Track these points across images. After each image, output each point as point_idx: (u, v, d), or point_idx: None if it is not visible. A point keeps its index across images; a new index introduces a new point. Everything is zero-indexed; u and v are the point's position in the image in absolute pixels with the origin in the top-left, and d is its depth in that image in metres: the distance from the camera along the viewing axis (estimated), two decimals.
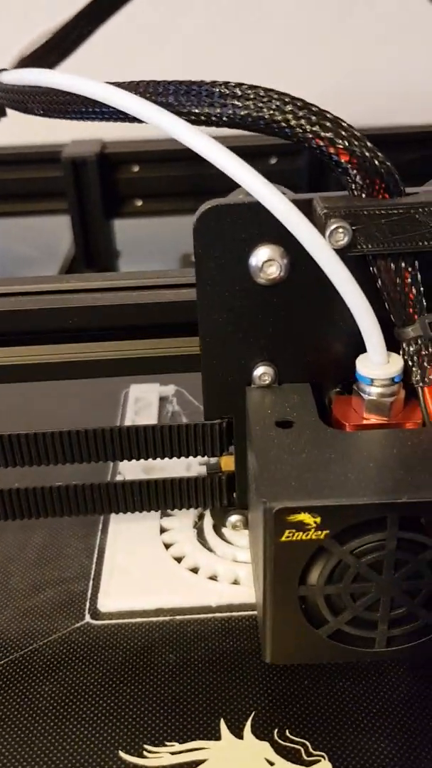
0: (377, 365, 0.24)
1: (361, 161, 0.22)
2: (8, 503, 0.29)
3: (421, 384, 0.24)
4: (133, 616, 0.28)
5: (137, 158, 0.57)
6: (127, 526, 0.32)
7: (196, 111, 0.23)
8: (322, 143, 0.22)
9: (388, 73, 0.66)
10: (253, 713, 0.25)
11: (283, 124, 0.22)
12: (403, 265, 0.24)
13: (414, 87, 0.65)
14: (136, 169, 0.57)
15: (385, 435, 0.24)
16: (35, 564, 0.31)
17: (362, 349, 0.24)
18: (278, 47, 0.66)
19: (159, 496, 0.29)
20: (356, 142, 0.22)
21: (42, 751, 0.24)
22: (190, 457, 0.29)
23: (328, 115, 0.22)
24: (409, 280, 0.24)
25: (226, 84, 0.23)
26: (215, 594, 0.29)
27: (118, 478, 0.34)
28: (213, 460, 0.29)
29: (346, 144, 0.22)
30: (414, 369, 0.24)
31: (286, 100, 0.22)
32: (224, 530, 0.31)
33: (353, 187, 0.23)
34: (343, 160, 0.22)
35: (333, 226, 0.22)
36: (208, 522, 0.32)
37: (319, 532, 0.21)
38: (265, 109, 0.22)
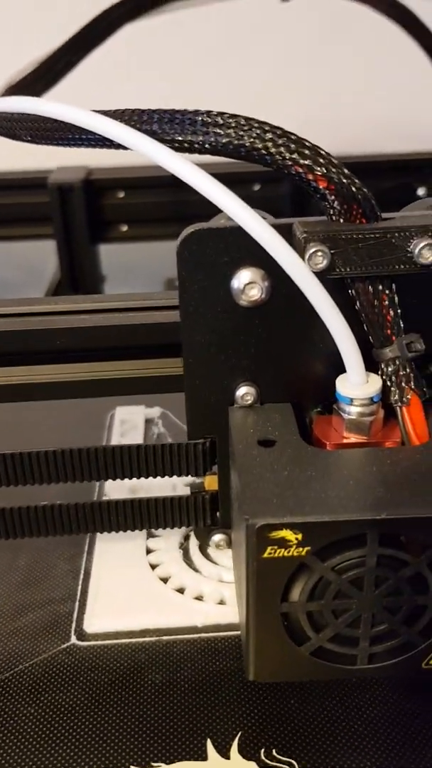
0: (356, 385, 0.24)
1: (338, 187, 0.23)
2: None
3: (399, 404, 0.25)
4: (119, 637, 0.28)
5: (123, 184, 0.58)
6: (113, 547, 0.32)
7: (180, 138, 0.23)
8: (300, 170, 0.23)
9: (369, 103, 0.68)
10: (240, 733, 0.25)
11: (263, 152, 0.23)
12: (380, 287, 0.24)
13: (394, 116, 0.67)
14: (121, 195, 0.58)
15: (365, 453, 0.24)
16: (21, 585, 0.31)
17: (342, 370, 0.25)
18: (265, 76, 0.67)
19: (143, 516, 0.29)
20: (334, 169, 0.23)
21: None
22: (176, 478, 0.29)
23: (307, 143, 0.23)
24: (387, 302, 0.24)
25: (208, 113, 0.23)
26: (201, 614, 0.29)
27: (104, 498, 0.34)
28: (197, 479, 0.29)
29: (324, 171, 0.23)
30: (392, 389, 0.25)
31: (266, 128, 0.23)
32: (210, 551, 0.32)
33: (331, 213, 0.23)
34: (321, 186, 0.23)
35: (312, 250, 0.23)
36: (194, 542, 0.32)
37: (301, 549, 0.22)
38: (245, 137, 0.23)
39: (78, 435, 0.40)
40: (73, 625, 0.29)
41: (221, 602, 0.30)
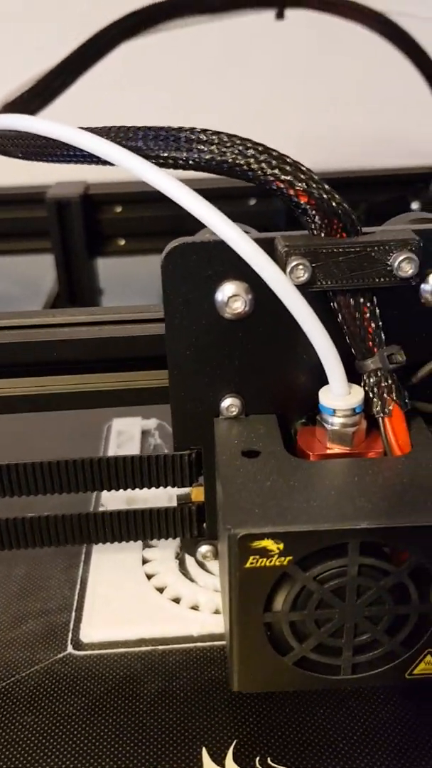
0: (339, 396, 0.25)
1: (319, 202, 0.23)
2: None
3: (381, 414, 0.25)
4: (115, 647, 0.29)
5: (120, 199, 0.58)
6: (109, 557, 0.32)
7: (164, 155, 0.24)
8: (281, 185, 0.23)
9: (363, 118, 0.69)
10: (235, 741, 0.25)
11: (245, 168, 0.23)
12: (361, 300, 0.25)
13: (388, 131, 0.68)
14: (118, 209, 0.59)
15: (347, 464, 0.24)
16: (17, 596, 0.31)
17: (325, 382, 0.25)
18: (261, 92, 0.68)
19: (131, 527, 0.30)
20: (314, 185, 0.23)
21: None
22: (173, 491, 0.30)
23: (288, 159, 0.23)
24: (368, 314, 0.25)
25: (191, 130, 0.24)
26: (197, 624, 0.29)
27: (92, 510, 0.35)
28: (184, 490, 0.30)
29: (305, 186, 0.23)
30: (375, 400, 0.25)
31: (248, 145, 0.23)
32: (205, 561, 0.32)
33: (312, 227, 0.24)
34: (302, 201, 0.23)
35: (293, 263, 0.23)
36: None
37: (283, 559, 0.22)
38: (228, 154, 0.23)
39: (75, 447, 0.40)
40: (70, 635, 0.29)
41: (217, 612, 0.30)
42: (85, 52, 0.49)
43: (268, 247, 0.24)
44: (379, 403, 0.25)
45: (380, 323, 0.25)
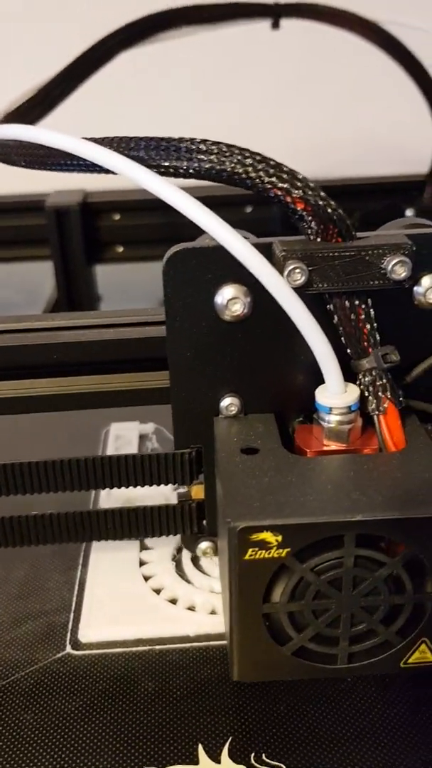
0: (335, 395, 0.26)
1: (315, 209, 0.24)
2: None
3: (376, 412, 0.26)
4: (113, 647, 0.29)
5: (118, 207, 0.59)
6: (107, 559, 0.33)
7: (165, 164, 0.25)
8: (279, 192, 0.24)
9: (358, 126, 0.70)
10: (231, 738, 0.25)
11: (244, 176, 0.24)
12: (356, 302, 0.25)
13: (382, 140, 0.69)
14: (117, 217, 0.60)
15: (343, 460, 0.25)
16: (17, 597, 0.32)
17: (322, 381, 0.26)
18: (257, 100, 0.69)
19: (131, 524, 0.30)
20: (310, 192, 0.24)
21: None
22: (170, 492, 0.30)
23: (285, 168, 0.24)
24: (363, 316, 0.26)
25: (191, 140, 0.25)
26: (193, 624, 0.30)
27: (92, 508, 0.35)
28: (184, 488, 0.30)
29: (301, 193, 0.24)
30: (370, 398, 0.26)
31: (246, 154, 0.24)
32: (202, 562, 0.33)
33: (309, 232, 0.25)
34: (299, 208, 0.24)
35: (290, 267, 0.24)
36: (186, 555, 0.33)
37: (281, 551, 0.23)
38: (227, 163, 0.24)
39: (73, 451, 0.41)
40: (68, 635, 0.30)
41: (213, 612, 0.30)
42: (83, 62, 0.50)
43: (266, 251, 0.25)
44: (374, 401, 0.26)
45: (375, 324, 0.26)
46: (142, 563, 0.33)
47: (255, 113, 0.69)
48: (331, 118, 0.70)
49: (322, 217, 0.24)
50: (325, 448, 0.26)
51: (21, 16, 0.66)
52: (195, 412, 0.28)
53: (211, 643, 0.29)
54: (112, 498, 0.36)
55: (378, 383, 0.26)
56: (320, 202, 0.24)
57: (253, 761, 0.25)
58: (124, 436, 0.42)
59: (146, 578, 0.32)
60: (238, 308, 0.26)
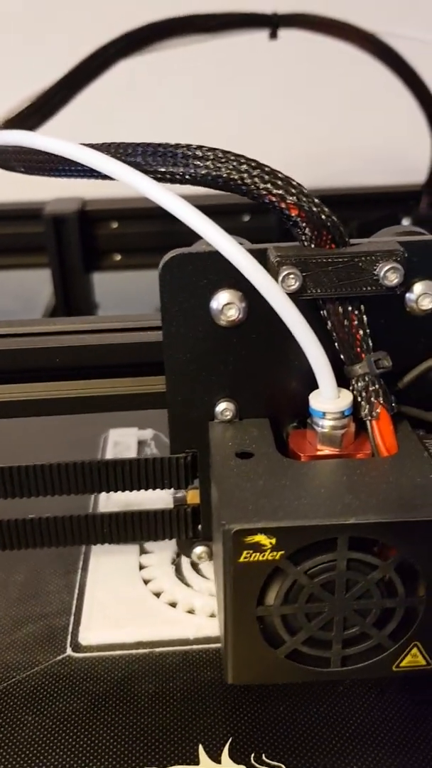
0: (329, 400, 0.26)
1: (309, 215, 0.24)
2: None
3: (369, 417, 0.26)
4: (113, 649, 0.29)
5: (116, 215, 0.59)
6: (107, 563, 0.33)
7: (162, 170, 0.25)
8: (274, 199, 0.24)
9: (355, 137, 0.70)
10: (231, 738, 0.26)
11: (239, 182, 0.24)
12: (350, 308, 0.26)
13: (380, 150, 0.69)
14: (114, 225, 0.60)
15: (337, 464, 0.25)
16: (17, 601, 0.32)
17: (316, 386, 0.26)
18: (255, 110, 0.70)
19: (127, 528, 0.30)
20: (305, 198, 0.24)
21: None
22: (169, 497, 0.30)
23: (279, 175, 0.24)
24: (356, 321, 0.26)
25: (188, 146, 0.25)
26: (193, 626, 0.30)
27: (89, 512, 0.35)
28: (180, 493, 0.31)
29: (296, 200, 0.24)
30: (363, 403, 0.26)
31: (242, 161, 0.24)
32: (201, 566, 0.33)
33: (303, 238, 0.25)
34: (293, 214, 0.24)
35: (285, 273, 0.25)
36: (185, 558, 0.33)
37: (275, 553, 0.23)
38: (222, 169, 0.24)
39: (72, 457, 0.41)
40: (69, 638, 0.30)
41: (212, 615, 0.30)
42: (83, 70, 0.50)
43: (260, 257, 0.25)
44: (367, 406, 0.26)
45: (368, 330, 0.26)
46: (141, 567, 0.33)
47: (254, 122, 0.70)
48: (329, 127, 0.71)
49: (316, 224, 0.25)
50: (319, 453, 0.26)
51: (21, 24, 0.67)
52: (191, 417, 0.28)
53: (211, 645, 0.29)
54: (111, 503, 0.36)
55: (371, 389, 0.26)
56: (314, 209, 0.24)
57: (253, 761, 0.25)
58: (123, 442, 0.42)
59: (146, 581, 0.32)
60: (233, 313, 0.26)
